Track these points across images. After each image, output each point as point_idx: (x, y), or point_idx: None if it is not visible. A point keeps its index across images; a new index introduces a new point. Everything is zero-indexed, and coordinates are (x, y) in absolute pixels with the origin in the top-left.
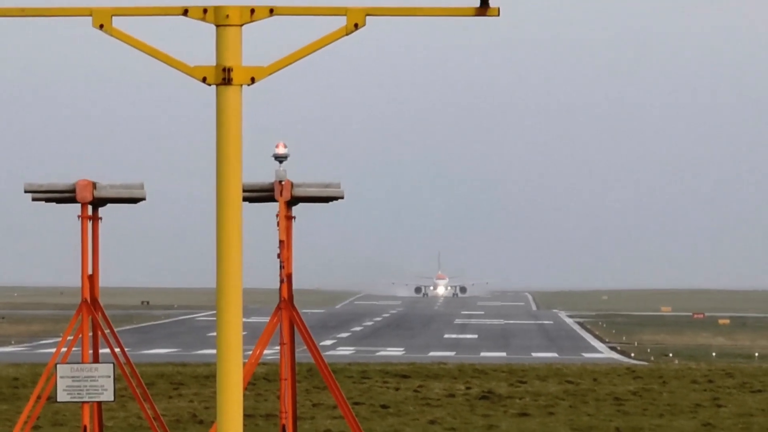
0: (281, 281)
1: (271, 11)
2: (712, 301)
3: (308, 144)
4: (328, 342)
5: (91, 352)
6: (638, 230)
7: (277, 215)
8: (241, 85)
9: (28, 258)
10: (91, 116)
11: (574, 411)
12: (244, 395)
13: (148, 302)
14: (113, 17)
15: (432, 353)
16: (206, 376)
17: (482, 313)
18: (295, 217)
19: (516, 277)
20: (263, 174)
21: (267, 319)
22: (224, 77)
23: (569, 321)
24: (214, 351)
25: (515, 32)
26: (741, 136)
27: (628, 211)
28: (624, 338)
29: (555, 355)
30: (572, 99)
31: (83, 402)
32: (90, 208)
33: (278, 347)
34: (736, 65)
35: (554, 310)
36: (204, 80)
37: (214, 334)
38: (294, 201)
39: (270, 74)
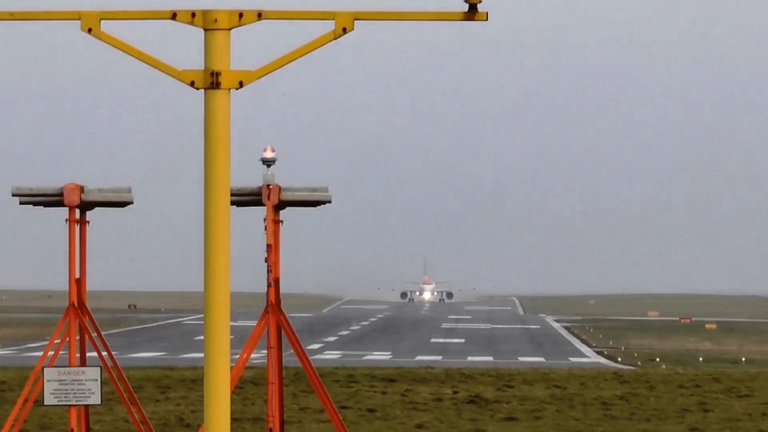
0: (269, 285)
1: (260, 15)
2: (699, 305)
3: (296, 148)
4: (315, 346)
5: (78, 355)
6: (626, 235)
7: (264, 219)
8: (230, 89)
9: (16, 261)
10: (79, 120)
11: (561, 415)
12: (231, 399)
13: (135, 306)
14: (101, 21)
15: (419, 357)
16: (193, 380)
17: (469, 317)
18: (282, 221)
19: (503, 282)
20: (251, 178)
21: (254, 323)
22: (212, 81)
23: (556, 325)
24: (201, 355)
25: (504, 36)
26: (730, 142)
27: (616, 216)
28: (611, 343)
29: (542, 359)
30: (561, 103)
31: (70, 405)
32: (78, 211)
33: (265, 351)
34: (729, 68)
35: (541, 315)
36: (192, 84)
37: (202, 337)
38: (282, 205)
39: (258, 78)
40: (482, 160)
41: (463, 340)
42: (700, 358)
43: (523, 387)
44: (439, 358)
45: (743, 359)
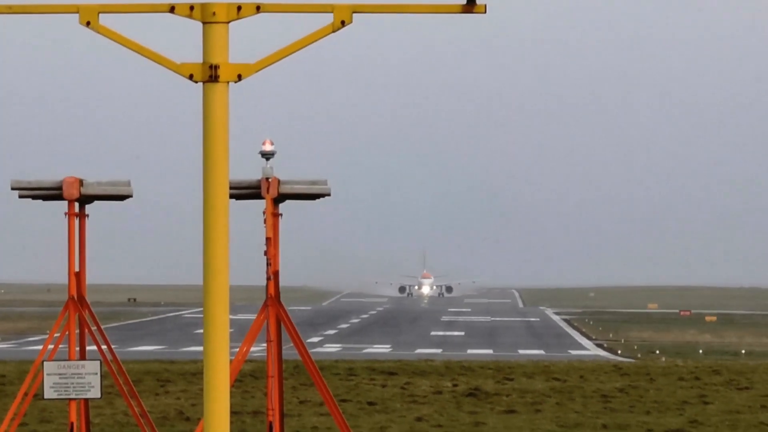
0: (268, 278)
1: (258, 8)
2: (699, 298)
3: (295, 141)
4: (315, 339)
5: (77, 349)
6: (625, 227)
7: (263, 212)
8: (228, 82)
9: (15, 255)
10: (78, 113)
11: (560, 408)
12: (231, 392)
13: (135, 299)
14: (100, 14)
15: (419, 350)
16: (193, 373)
17: (469, 310)
18: (282, 215)
19: (503, 274)
20: (250, 171)
21: (254, 317)
22: (211, 74)
23: (556, 318)
24: (201, 348)
25: (502, 29)
26: (728, 135)
27: (615, 208)
28: (611, 335)
29: (542, 352)
30: (560, 97)
31: (70, 399)
32: (77, 205)
33: (265, 344)
34: (728, 65)
35: (541, 307)
36: (191, 77)
37: (201, 331)
38: (281, 198)
39: (257, 71)
40: (481, 154)
41: (462, 333)
42: (700, 351)
43: (523, 380)
44: (439, 351)
45: (743, 351)
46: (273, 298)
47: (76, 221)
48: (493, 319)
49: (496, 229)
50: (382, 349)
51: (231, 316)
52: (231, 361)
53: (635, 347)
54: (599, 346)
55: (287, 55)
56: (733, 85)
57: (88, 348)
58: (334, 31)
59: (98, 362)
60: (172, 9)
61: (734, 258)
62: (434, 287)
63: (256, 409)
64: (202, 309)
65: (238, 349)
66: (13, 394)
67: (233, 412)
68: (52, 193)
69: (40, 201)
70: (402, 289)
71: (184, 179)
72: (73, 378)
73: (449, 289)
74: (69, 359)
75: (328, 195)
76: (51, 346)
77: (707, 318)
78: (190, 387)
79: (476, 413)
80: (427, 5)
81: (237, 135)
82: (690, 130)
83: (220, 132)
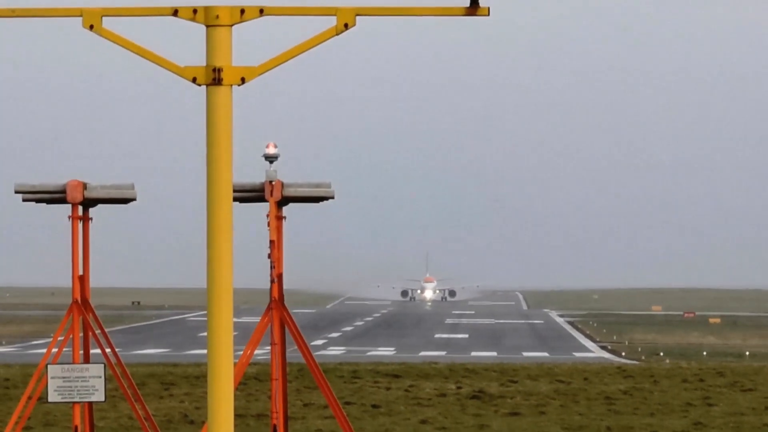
0: (272, 281)
1: (261, 11)
2: (702, 300)
3: (299, 144)
4: (319, 342)
5: (81, 352)
6: (629, 229)
7: (267, 215)
8: (232, 86)
9: (19, 258)
10: (82, 117)
11: (565, 410)
12: (235, 395)
13: (138, 302)
14: (103, 18)
15: (423, 353)
16: (197, 377)
17: (473, 312)
18: (285, 218)
19: (507, 277)
20: (254, 174)
21: (258, 319)
22: (214, 77)
23: (560, 320)
24: (204, 351)
25: (506, 31)
26: (732, 136)
27: (619, 210)
28: (615, 337)
29: (546, 354)
30: (563, 98)
31: (74, 402)
32: (80, 208)
33: (269, 347)
34: (730, 65)
35: (545, 310)
36: (194, 81)
37: (205, 334)
38: (284, 201)
39: (260, 74)
40: (485, 156)
41: (466, 336)
42: (704, 353)
43: (527, 382)
44: (443, 353)
45: (747, 353)
46: (277, 300)
47: (80, 224)
48: (497, 321)
49: (500, 232)
50: (386, 351)
51: (235, 319)
52: (235, 364)
53: (639, 349)
54: (603, 348)
55: (291, 58)
56: (740, 87)
57: (92, 351)
58: (337, 34)
59: (102, 365)
60: (175, 12)
61: (738, 260)
62: (437, 291)
63: (260, 412)
64: (206, 312)
65: (242, 352)
66: (17, 397)
67: (237, 415)
68: (55, 196)
69: (43, 204)
70: (404, 293)
71: (187, 182)
72: (77, 381)
73: (452, 293)
74: (73, 362)
75: (332, 198)
76: (55, 350)
77: (711, 320)
78: (194, 390)
79: (480, 416)
80: (430, 8)
81: (240, 138)
82: (694, 132)
83: (224, 135)
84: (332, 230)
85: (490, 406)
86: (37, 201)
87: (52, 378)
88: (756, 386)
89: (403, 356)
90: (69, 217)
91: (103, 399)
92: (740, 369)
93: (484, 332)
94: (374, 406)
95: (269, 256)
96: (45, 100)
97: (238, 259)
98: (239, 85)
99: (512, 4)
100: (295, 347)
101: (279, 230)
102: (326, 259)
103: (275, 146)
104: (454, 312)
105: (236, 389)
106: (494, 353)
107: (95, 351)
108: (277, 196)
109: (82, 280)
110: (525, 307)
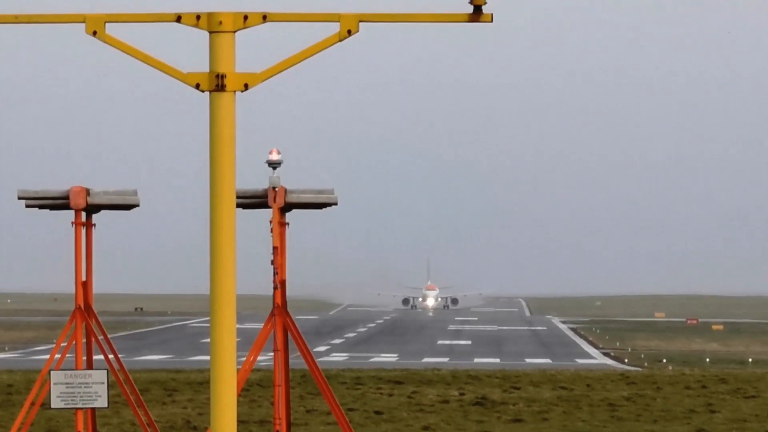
0: (275, 287)
1: (265, 18)
2: (705, 306)
3: (302, 150)
4: (322, 348)
5: (84, 358)
6: (632, 236)
7: (270, 222)
8: (235, 92)
9: (22, 264)
10: (85, 123)
11: (567, 417)
12: (238, 401)
13: (141, 309)
14: (106, 24)
15: (426, 359)
16: (200, 383)
17: (476, 319)
18: (288, 224)
19: (509, 283)
20: (257, 180)
21: (261, 326)
22: (217, 84)
23: (563, 327)
24: (207, 357)
25: (508, 38)
26: (734, 141)
27: (621, 216)
28: (618, 344)
29: (549, 361)
30: (565, 103)
31: (77, 408)
32: (84, 214)
33: (272, 353)
34: (732, 67)
35: (548, 316)
36: (197, 87)
37: (208, 340)
38: (287, 207)
39: (263, 81)
40: (488, 162)
41: (469, 342)
42: (707, 359)
43: (530, 388)
44: (446, 359)
45: (750, 360)
46: (280, 307)
47: (83, 231)
48: (499, 328)
49: (503, 238)
50: (388, 358)
51: (238, 326)
52: (238, 370)
53: (642, 356)
54: (606, 354)
55: (294, 65)
56: (744, 91)
57: (95, 357)
58: (340, 40)
59: (105, 371)
60: (178, 18)
61: (741, 267)
62: (439, 299)
63: (263, 418)
64: (209, 318)
65: (245, 359)
66: (20, 403)
67: (240, 422)
68: (58, 202)
69: (47, 210)
70: (405, 301)
71: (190, 188)
72: (80, 387)
73: (455, 301)
74: (76, 368)
75: (335, 204)
76: (58, 356)
77: (714, 327)
78: (197, 396)
79: (483, 422)
80: (433, 14)
81: (244, 144)
82: (697, 138)
83: (227, 141)
84: (335, 236)
85: (492, 413)
86: (41, 207)
87: (55, 384)
88: (759, 393)
89: (406, 362)
90: (72, 223)
91: (106, 405)
92: (743, 376)
93: (486, 339)
94: (377, 413)
95: (272, 263)
96: (48, 107)
97: (241, 266)
98: (242, 92)
99: (515, 10)
100: (298, 353)
101: (282, 236)
102: (328, 266)
103: (278, 152)
104: (456, 318)
105: (239, 395)
106: (497, 360)
107: (98, 357)
108: (280, 202)
109: (85, 286)
110: (528, 313)
